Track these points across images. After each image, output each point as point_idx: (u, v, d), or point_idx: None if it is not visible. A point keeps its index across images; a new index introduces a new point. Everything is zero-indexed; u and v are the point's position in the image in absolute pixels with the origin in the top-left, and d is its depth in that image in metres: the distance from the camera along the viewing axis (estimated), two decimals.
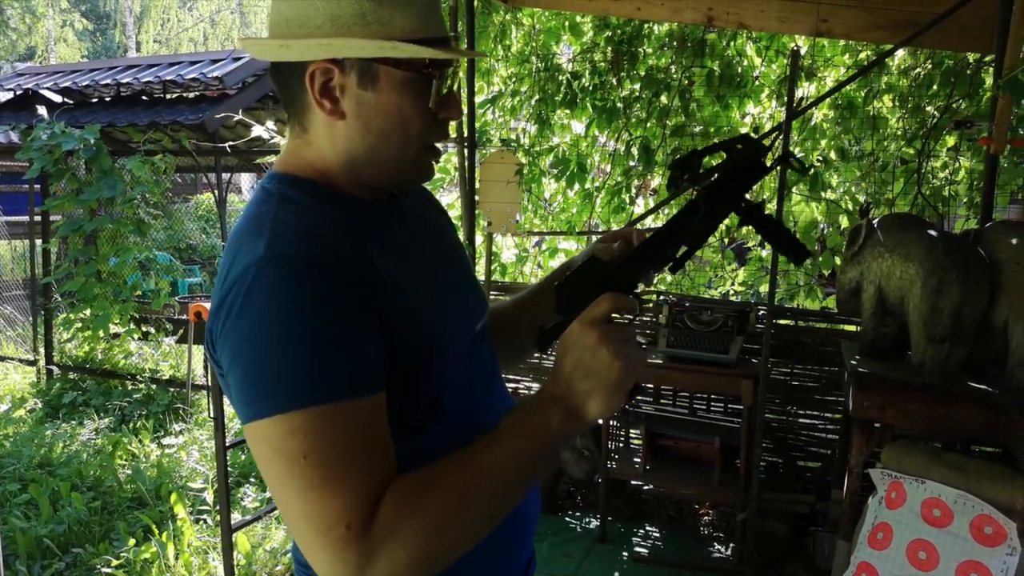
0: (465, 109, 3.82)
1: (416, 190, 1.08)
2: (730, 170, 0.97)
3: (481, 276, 4.12)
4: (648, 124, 4.28)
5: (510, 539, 1.06)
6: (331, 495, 0.78)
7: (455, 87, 0.97)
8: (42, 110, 5.45)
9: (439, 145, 0.99)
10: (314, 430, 0.79)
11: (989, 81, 3.35)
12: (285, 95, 0.96)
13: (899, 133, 3.98)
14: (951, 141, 3.82)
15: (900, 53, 3.82)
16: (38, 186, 5.81)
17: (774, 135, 3.59)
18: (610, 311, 0.88)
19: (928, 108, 3.87)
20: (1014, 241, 2.35)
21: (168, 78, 5.81)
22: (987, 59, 3.47)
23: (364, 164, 0.95)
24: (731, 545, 3.44)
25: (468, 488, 0.83)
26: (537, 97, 4.41)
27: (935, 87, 3.81)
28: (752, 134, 0.97)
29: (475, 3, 3.81)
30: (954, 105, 3.70)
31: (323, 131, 0.94)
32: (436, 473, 0.83)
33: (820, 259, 4.14)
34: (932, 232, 2.43)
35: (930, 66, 3.84)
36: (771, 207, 4.15)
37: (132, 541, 3.21)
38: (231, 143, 5.31)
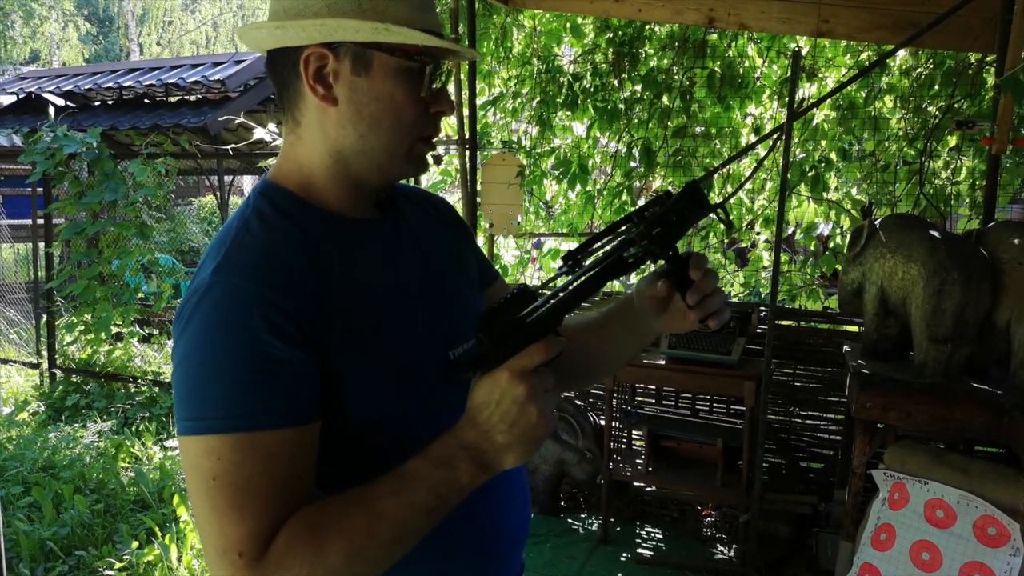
0: (466, 111, 3.83)
1: (408, 177, 1.07)
2: (670, 213, 0.96)
3: None
4: (649, 125, 4.28)
5: (495, 551, 1.03)
6: (230, 521, 0.81)
7: (448, 83, 0.98)
8: (50, 111, 5.45)
9: (433, 141, 1.00)
10: (226, 456, 0.81)
11: (991, 81, 3.35)
12: (280, 85, 0.96)
13: (900, 133, 3.98)
14: (953, 141, 3.82)
15: (901, 53, 3.82)
16: (41, 189, 5.83)
17: (775, 136, 3.59)
18: (541, 362, 0.84)
19: (930, 108, 3.87)
20: (1016, 241, 2.35)
21: (170, 81, 5.83)
22: (989, 59, 3.47)
23: (354, 154, 0.94)
24: (734, 546, 3.44)
25: (364, 534, 0.82)
26: (538, 99, 4.41)
27: (936, 87, 3.81)
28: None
29: (476, 5, 3.81)
30: (956, 105, 3.70)
31: (315, 121, 0.94)
32: (335, 512, 0.83)
33: (822, 260, 4.14)
34: (934, 232, 2.42)
35: (931, 66, 3.84)
36: (772, 208, 4.15)
37: (135, 543, 3.22)
38: (233, 146, 5.32)
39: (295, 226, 0.92)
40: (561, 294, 0.90)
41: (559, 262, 1.01)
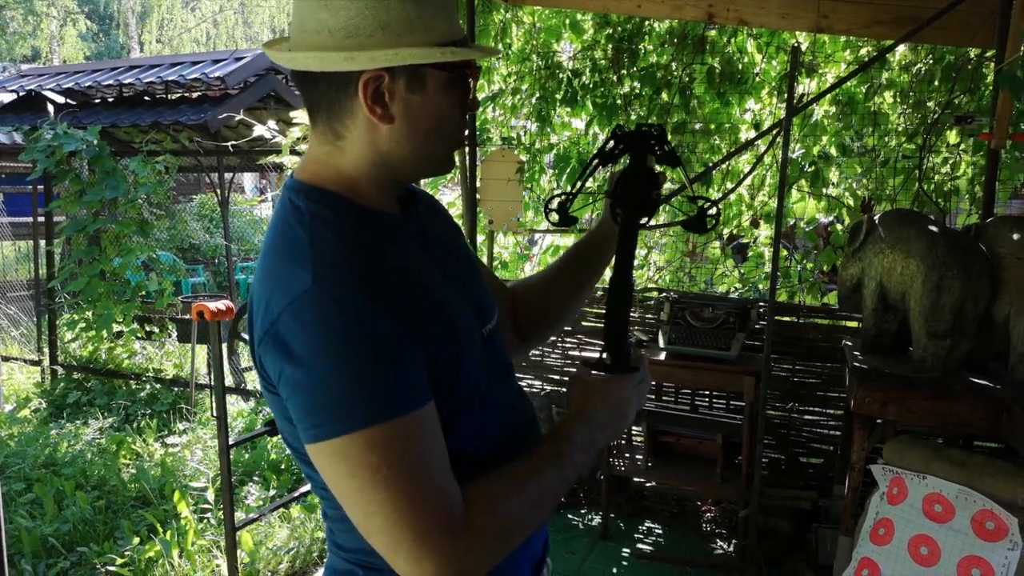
0: None
1: (441, 176, 1.17)
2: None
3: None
4: (649, 121, 4.28)
5: None
6: (422, 501, 0.86)
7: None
8: (50, 109, 5.46)
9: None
10: (388, 443, 0.86)
11: (990, 76, 3.35)
12: (320, 102, 0.96)
13: (900, 129, 3.98)
14: (952, 137, 3.81)
15: (901, 49, 3.82)
16: (42, 187, 5.83)
17: (774, 132, 3.59)
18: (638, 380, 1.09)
19: (929, 104, 3.87)
20: (1015, 236, 2.35)
21: (170, 78, 5.83)
22: (988, 54, 3.46)
23: (402, 163, 0.99)
24: (733, 541, 3.45)
25: (534, 498, 0.97)
26: (538, 95, 4.41)
27: (936, 83, 3.81)
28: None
29: (475, 1, 3.81)
30: (955, 101, 3.69)
31: (362, 136, 0.96)
32: (512, 483, 0.96)
33: (821, 255, 4.14)
34: (933, 228, 2.42)
35: (931, 62, 3.84)
36: (772, 204, 4.16)
37: (136, 540, 3.23)
38: (233, 143, 5.32)
39: (354, 224, 0.97)
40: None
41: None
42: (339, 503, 0.93)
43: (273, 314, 0.89)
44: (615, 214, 1.18)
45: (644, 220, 1.16)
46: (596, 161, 1.23)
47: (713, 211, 1.20)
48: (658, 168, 1.21)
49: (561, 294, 1.30)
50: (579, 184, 1.25)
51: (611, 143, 1.21)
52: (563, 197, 1.25)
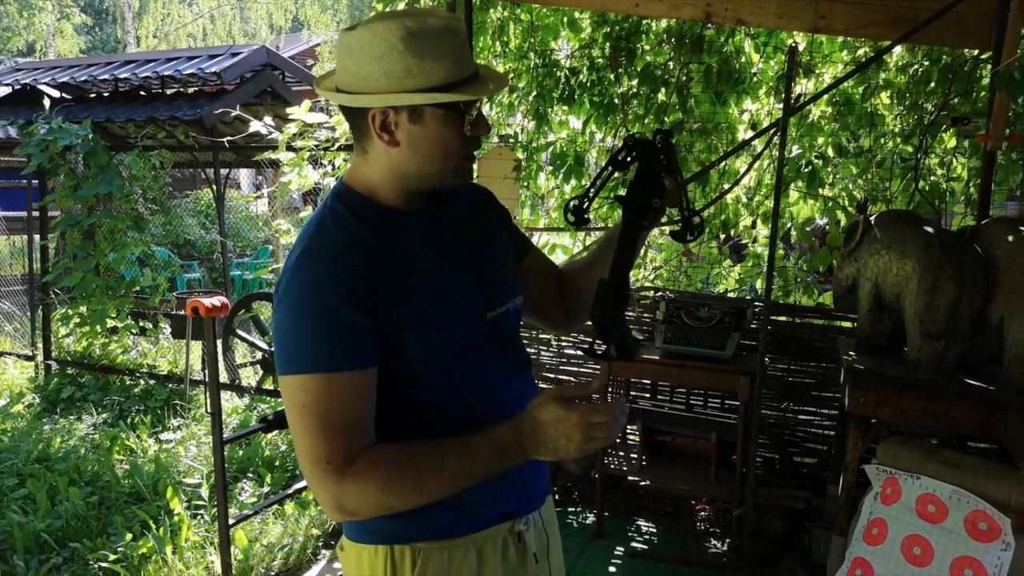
0: None
1: (459, 187, 1.30)
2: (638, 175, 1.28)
3: None
4: (646, 120, 4.28)
5: (504, 476, 1.21)
6: (318, 438, 1.11)
7: (482, 107, 1.22)
8: (45, 103, 5.42)
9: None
10: (312, 390, 1.11)
11: (986, 78, 3.35)
12: (352, 125, 1.22)
13: (896, 130, 3.98)
14: (948, 138, 3.82)
15: (898, 50, 3.82)
16: (36, 182, 5.81)
17: (771, 132, 3.60)
18: (600, 419, 1.10)
19: (926, 105, 3.87)
20: (1010, 238, 2.35)
21: (166, 73, 5.80)
22: (985, 56, 3.47)
23: (413, 179, 1.21)
24: (727, 540, 3.45)
25: (428, 477, 1.13)
26: (535, 93, 4.40)
27: (933, 84, 3.81)
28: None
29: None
30: (952, 102, 3.70)
31: (380, 155, 1.20)
32: (414, 455, 1.14)
33: (817, 256, 4.14)
34: (929, 229, 2.43)
35: (928, 63, 3.84)
36: (768, 204, 4.16)
37: (129, 536, 3.22)
38: (229, 139, 5.30)
39: (361, 220, 1.19)
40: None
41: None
42: None
43: (280, 274, 1.18)
44: (624, 212, 1.29)
45: (645, 225, 1.27)
46: (609, 167, 1.34)
47: (697, 221, 1.30)
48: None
49: (592, 279, 1.38)
50: (595, 189, 1.36)
51: (623, 151, 1.32)
52: (579, 200, 1.36)
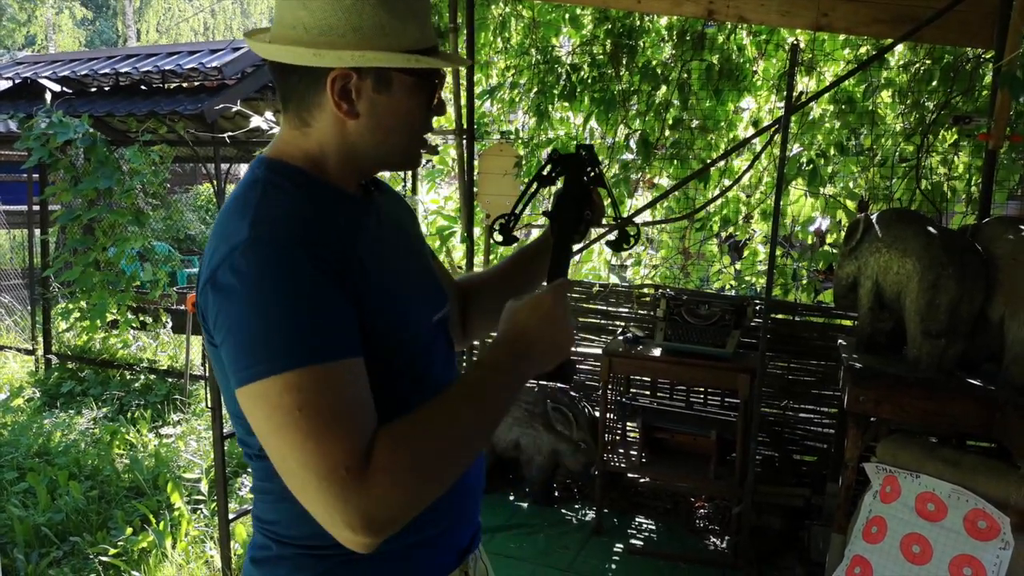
0: (464, 101, 3.82)
1: (406, 171, 1.18)
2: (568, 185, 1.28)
3: (480, 267, 4.12)
4: (647, 117, 4.27)
5: (452, 509, 1.13)
6: (328, 442, 0.86)
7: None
8: (47, 97, 5.42)
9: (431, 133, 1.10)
10: (306, 387, 0.87)
11: (988, 77, 3.35)
12: (290, 91, 1.02)
13: (898, 128, 3.98)
14: (950, 137, 3.81)
15: (900, 48, 3.82)
16: (37, 175, 5.80)
17: (772, 129, 3.59)
18: (567, 291, 1.06)
19: (927, 103, 3.87)
20: (1011, 237, 2.35)
21: (167, 68, 5.79)
22: (987, 55, 3.46)
23: (367, 156, 1.05)
24: (726, 538, 3.46)
25: (447, 436, 0.94)
26: (536, 89, 4.40)
27: (934, 82, 3.81)
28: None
29: None
30: (953, 101, 3.69)
31: (329, 128, 1.02)
32: (421, 420, 0.93)
33: (817, 254, 4.14)
34: (930, 227, 2.43)
35: (929, 61, 3.84)
36: (768, 203, 4.16)
37: (129, 530, 3.23)
38: (230, 133, 5.29)
39: (312, 195, 1.01)
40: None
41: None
42: (263, 474, 1.01)
43: (213, 264, 0.93)
44: (553, 228, 1.27)
45: (576, 238, 1.26)
46: (535, 184, 1.32)
47: (633, 230, 1.31)
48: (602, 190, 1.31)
49: (501, 296, 1.29)
50: (521, 205, 1.33)
51: (547, 166, 1.30)
52: (505, 218, 1.33)
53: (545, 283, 1.22)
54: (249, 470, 3.83)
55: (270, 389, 0.88)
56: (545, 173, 1.30)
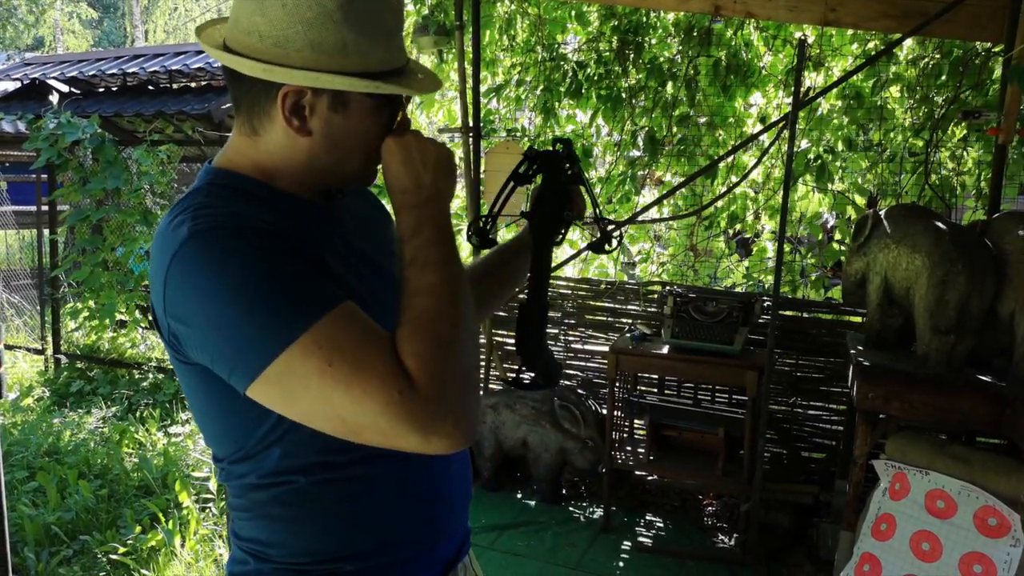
0: (470, 99, 3.81)
1: (363, 186, 1.14)
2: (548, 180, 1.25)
3: None
4: (653, 114, 4.26)
5: (436, 518, 1.10)
6: (371, 378, 0.84)
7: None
8: (54, 98, 5.45)
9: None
10: (324, 341, 0.84)
11: (998, 71, 3.32)
12: (241, 97, 0.96)
13: (907, 123, 3.95)
14: (959, 132, 3.79)
15: (908, 43, 3.79)
16: (45, 176, 5.83)
17: (780, 125, 3.57)
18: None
19: (936, 98, 3.84)
20: (1021, 232, 2.34)
21: (174, 68, 5.81)
22: (996, 49, 3.44)
23: (319, 173, 0.99)
24: (735, 535, 3.45)
25: (443, 312, 0.91)
26: (542, 87, 4.40)
27: (944, 77, 3.78)
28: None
29: None
30: (962, 95, 3.67)
31: (279, 141, 0.96)
32: (412, 319, 0.90)
33: (825, 251, 4.12)
34: (939, 223, 2.41)
35: (938, 56, 3.81)
36: (777, 199, 4.14)
37: (138, 529, 3.24)
38: None
39: (261, 202, 0.95)
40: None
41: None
42: (238, 491, 1.00)
43: (160, 283, 0.88)
44: (532, 228, 1.23)
45: (556, 237, 1.24)
46: (512, 183, 1.26)
47: (615, 232, 1.26)
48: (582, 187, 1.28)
49: (482, 291, 1.28)
50: (498, 206, 1.28)
51: (524, 164, 1.25)
52: (482, 221, 1.28)
53: (527, 283, 1.21)
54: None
55: (292, 361, 0.84)
56: (522, 171, 1.24)
